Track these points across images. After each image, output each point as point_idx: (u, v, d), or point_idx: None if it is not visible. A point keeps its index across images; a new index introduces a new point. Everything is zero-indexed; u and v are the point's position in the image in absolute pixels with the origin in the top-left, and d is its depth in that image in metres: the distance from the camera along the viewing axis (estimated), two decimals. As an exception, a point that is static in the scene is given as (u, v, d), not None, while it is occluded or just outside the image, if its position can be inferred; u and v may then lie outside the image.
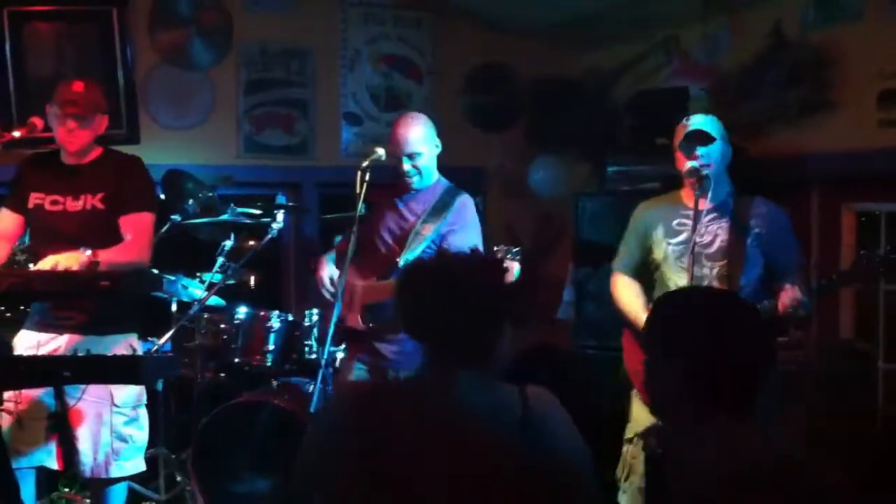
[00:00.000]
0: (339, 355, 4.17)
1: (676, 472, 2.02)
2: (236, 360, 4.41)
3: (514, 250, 3.43)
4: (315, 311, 4.33)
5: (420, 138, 3.88)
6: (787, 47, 4.41)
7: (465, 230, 3.89)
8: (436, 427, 1.98)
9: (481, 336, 2.07)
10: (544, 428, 2.01)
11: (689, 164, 3.54)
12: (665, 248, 3.66)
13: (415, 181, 3.91)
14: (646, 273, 3.77)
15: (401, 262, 3.82)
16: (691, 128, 3.57)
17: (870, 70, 4.01)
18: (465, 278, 2.10)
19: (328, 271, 4.06)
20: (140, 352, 3.68)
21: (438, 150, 3.97)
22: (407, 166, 3.87)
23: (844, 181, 4.31)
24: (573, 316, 5.19)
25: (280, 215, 4.29)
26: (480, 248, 3.90)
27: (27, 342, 3.63)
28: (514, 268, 3.37)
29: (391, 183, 4.02)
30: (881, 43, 3.97)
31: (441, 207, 3.90)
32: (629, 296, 3.74)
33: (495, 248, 3.48)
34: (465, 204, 3.95)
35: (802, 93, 4.33)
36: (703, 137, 3.54)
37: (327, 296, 4.02)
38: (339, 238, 4.47)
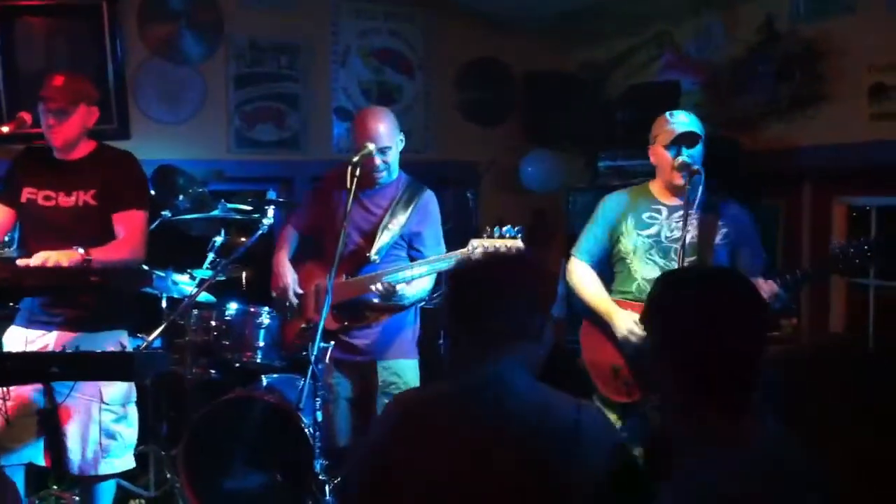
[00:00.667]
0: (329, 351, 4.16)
1: (678, 450, 2.00)
2: (227, 356, 4.41)
3: (515, 230, 3.42)
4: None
5: (389, 132, 3.84)
6: (779, 41, 4.40)
7: (432, 226, 3.93)
8: (481, 419, 2.01)
9: (525, 323, 2.11)
10: (592, 437, 2.00)
11: (682, 158, 3.53)
12: (634, 239, 3.64)
13: (382, 176, 3.89)
14: (606, 263, 3.76)
15: (372, 256, 3.82)
16: (681, 128, 3.54)
17: (861, 63, 4.00)
18: (512, 271, 2.18)
19: (291, 277, 4.01)
20: (130, 348, 3.67)
21: (402, 145, 3.95)
22: (378, 161, 3.82)
23: (836, 175, 4.30)
24: (564, 311, 5.18)
25: (271, 211, 4.27)
26: (442, 244, 3.93)
27: (16, 339, 3.61)
28: (517, 247, 3.38)
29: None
30: (872, 36, 3.96)
31: (407, 201, 3.90)
32: (594, 286, 3.71)
33: (495, 228, 3.47)
34: (430, 200, 3.96)
35: (794, 86, 4.32)
36: (691, 138, 3.53)
37: (293, 301, 4.02)
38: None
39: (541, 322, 2.13)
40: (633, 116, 4.92)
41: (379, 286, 3.71)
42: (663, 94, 4.75)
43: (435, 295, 4.09)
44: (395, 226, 3.85)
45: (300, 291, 4.01)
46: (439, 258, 3.75)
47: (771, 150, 4.40)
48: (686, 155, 3.52)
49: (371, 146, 3.77)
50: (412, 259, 3.90)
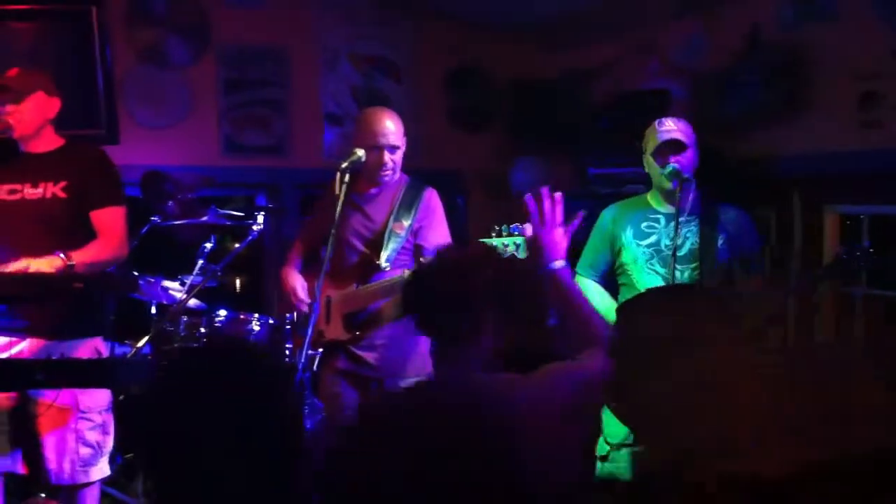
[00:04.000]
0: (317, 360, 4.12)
1: None
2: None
3: (514, 227, 3.42)
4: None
5: (400, 131, 3.82)
6: (766, 48, 4.39)
7: (436, 224, 3.89)
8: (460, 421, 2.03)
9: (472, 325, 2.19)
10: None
11: (670, 167, 3.52)
12: (634, 251, 3.64)
13: (388, 176, 3.84)
14: (611, 277, 3.76)
15: (381, 263, 3.77)
16: (665, 136, 3.54)
17: (849, 71, 3.99)
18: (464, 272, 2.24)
19: (301, 283, 3.96)
20: (106, 355, 3.62)
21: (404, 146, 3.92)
22: (387, 159, 3.79)
23: (826, 183, 4.29)
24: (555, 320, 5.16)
25: (261, 217, 4.25)
26: (449, 238, 3.89)
27: None
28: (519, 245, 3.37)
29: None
30: (860, 44, 3.96)
31: (409, 202, 3.86)
32: (599, 299, 3.70)
33: (503, 227, 3.46)
34: (433, 197, 3.92)
35: (782, 93, 4.31)
36: (676, 146, 3.53)
37: (305, 308, 3.94)
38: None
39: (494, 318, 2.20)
40: (621, 123, 4.92)
41: None
42: (650, 102, 4.75)
43: None
44: (401, 230, 3.81)
45: (309, 300, 3.92)
46: None
47: (759, 159, 4.39)
48: (673, 162, 3.52)
49: (360, 152, 3.75)
50: (419, 254, 3.86)
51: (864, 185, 4.13)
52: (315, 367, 4.06)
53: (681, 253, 3.55)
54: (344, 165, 3.70)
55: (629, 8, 5.01)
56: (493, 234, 3.50)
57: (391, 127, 3.79)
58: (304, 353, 3.56)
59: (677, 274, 3.52)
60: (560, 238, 2.52)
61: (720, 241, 3.57)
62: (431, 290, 2.25)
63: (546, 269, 2.50)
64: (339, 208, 3.65)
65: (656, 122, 3.64)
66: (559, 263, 2.51)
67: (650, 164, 3.63)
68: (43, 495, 4.23)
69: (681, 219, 3.53)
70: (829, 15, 4.09)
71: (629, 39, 5.27)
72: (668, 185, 3.54)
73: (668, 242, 3.58)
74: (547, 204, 2.54)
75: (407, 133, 3.88)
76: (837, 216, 4.37)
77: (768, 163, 4.34)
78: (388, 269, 3.79)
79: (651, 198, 3.72)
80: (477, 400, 2.06)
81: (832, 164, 4.13)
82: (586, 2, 5.11)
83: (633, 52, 5.28)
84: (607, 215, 3.79)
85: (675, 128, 3.57)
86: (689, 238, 3.56)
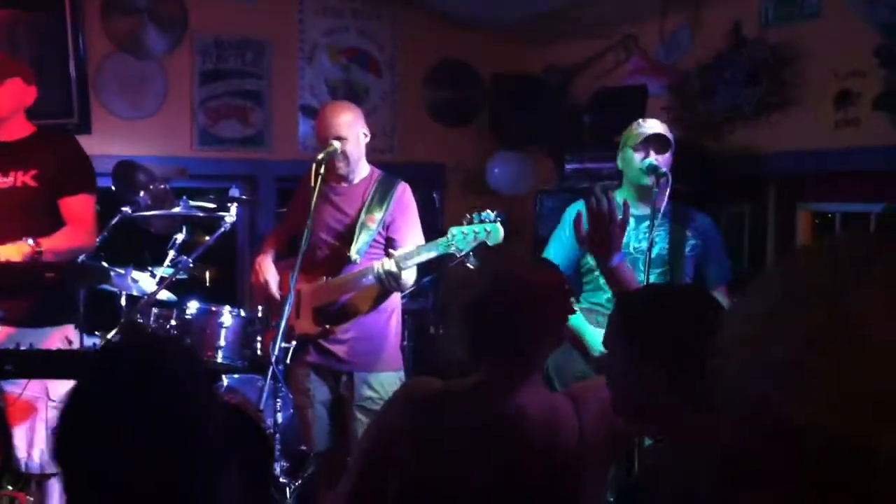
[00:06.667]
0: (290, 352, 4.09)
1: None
2: (186, 355, 4.33)
3: (494, 214, 3.40)
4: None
5: (345, 122, 3.77)
6: (746, 46, 4.40)
7: (408, 219, 3.86)
8: (500, 434, 2.04)
9: (539, 349, 2.15)
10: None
11: (649, 161, 3.51)
12: None
13: (341, 168, 3.81)
14: (574, 271, 3.72)
15: (352, 255, 3.75)
16: (651, 130, 3.53)
17: (827, 70, 4.01)
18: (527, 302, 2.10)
19: (274, 275, 3.93)
20: (77, 343, 3.57)
21: (367, 139, 3.89)
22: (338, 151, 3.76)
23: (801, 181, 4.32)
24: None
25: (233, 209, 4.21)
26: (421, 234, 3.87)
27: None
28: (497, 231, 3.36)
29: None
30: (839, 43, 3.97)
31: (381, 196, 3.83)
32: None
33: (474, 214, 3.43)
34: (405, 192, 3.89)
35: (761, 92, 4.32)
36: (659, 143, 3.51)
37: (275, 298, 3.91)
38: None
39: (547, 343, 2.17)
40: (601, 120, 4.92)
41: (392, 266, 3.61)
42: (630, 98, 4.75)
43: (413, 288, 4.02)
44: (372, 223, 3.78)
45: (278, 297, 3.89)
46: (425, 246, 3.67)
47: (737, 156, 4.40)
48: (654, 158, 3.50)
49: (336, 144, 3.73)
50: (390, 247, 3.82)
51: (837, 184, 4.16)
52: (288, 360, 4.03)
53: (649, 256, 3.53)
54: (320, 157, 3.69)
55: (612, 5, 5.00)
56: (465, 222, 3.50)
57: (333, 119, 3.76)
58: (277, 344, 3.54)
59: (641, 276, 3.50)
60: (619, 233, 2.49)
61: (687, 249, 3.56)
62: (519, 313, 2.09)
63: (611, 264, 2.49)
64: (313, 201, 3.64)
65: (641, 120, 3.63)
66: (620, 257, 2.52)
67: (627, 160, 3.59)
68: (10, 487, 4.19)
69: (650, 222, 3.51)
70: (810, 13, 4.11)
71: (611, 36, 5.27)
72: (646, 179, 3.52)
73: (636, 245, 3.57)
74: (604, 203, 2.51)
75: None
76: (810, 214, 4.39)
77: (745, 160, 4.35)
78: (358, 261, 3.76)
79: (620, 197, 3.68)
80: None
81: (808, 162, 4.16)
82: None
83: (614, 49, 5.28)
84: (575, 212, 3.74)
85: (661, 126, 3.56)
86: (658, 242, 3.54)
